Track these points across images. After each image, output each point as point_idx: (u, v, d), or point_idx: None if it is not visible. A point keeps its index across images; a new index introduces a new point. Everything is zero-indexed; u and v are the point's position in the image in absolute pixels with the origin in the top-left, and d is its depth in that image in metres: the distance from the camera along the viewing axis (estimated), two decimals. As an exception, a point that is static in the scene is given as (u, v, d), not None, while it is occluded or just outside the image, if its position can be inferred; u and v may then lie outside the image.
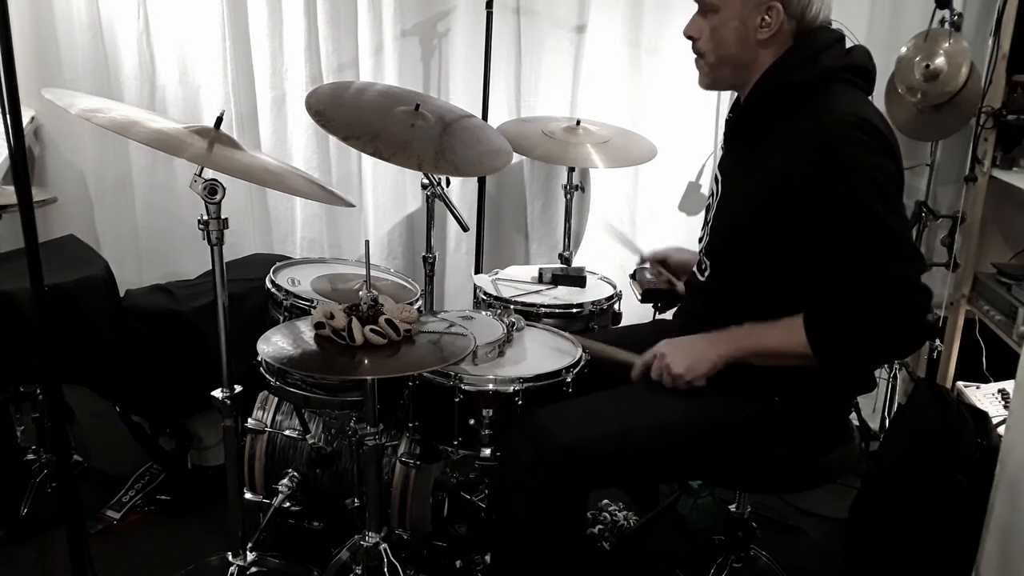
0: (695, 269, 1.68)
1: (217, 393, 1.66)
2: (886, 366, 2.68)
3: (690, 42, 1.55)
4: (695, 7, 1.53)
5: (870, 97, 1.48)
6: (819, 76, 1.43)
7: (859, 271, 1.35)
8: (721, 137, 2.64)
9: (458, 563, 1.93)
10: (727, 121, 1.66)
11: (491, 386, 1.61)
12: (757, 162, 1.47)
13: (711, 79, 1.57)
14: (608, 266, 2.75)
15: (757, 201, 1.44)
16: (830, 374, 1.48)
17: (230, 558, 1.76)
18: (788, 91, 1.44)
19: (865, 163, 1.34)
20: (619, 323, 2.17)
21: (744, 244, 1.49)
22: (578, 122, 2.48)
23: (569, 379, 1.65)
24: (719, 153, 2.72)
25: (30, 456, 2.30)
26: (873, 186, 1.34)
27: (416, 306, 1.91)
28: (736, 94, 1.61)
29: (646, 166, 2.65)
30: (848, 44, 1.49)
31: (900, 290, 1.35)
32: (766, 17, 1.44)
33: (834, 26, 1.51)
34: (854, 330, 1.39)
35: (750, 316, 1.48)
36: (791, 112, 1.42)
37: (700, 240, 1.68)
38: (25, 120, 1.47)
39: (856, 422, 2.56)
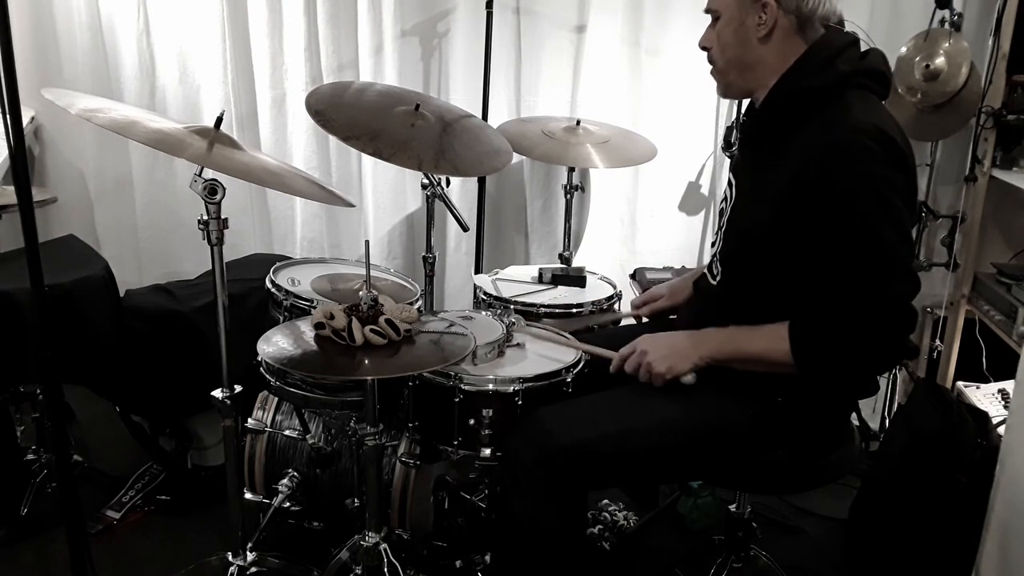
0: (706, 271, 1.68)
1: (217, 393, 1.66)
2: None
3: (705, 53, 1.57)
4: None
5: (884, 102, 1.47)
6: (835, 82, 1.42)
7: (852, 285, 1.35)
8: (721, 138, 2.68)
9: (458, 563, 1.93)
10: (742, 126, 1.65)
11: (491, 386, 1.61)
12: (771, 168, 1.46)
13: (724, 86, 1.58)
14: (608, 266, 2.76)
15: (770, 207, 1.43)
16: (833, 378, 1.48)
17: (230, 558, 1.76)
18: (803, 97, 1.44)
19: (874, 174, 1.34)
20: (619, 323, 2.16)
21: (757, 250, 1.49)
22: (578, 122, 2.48)
23: (569, 379, 1.65)
24: (719, 154, 2.73)
25: (30, 456, 2.30)
26: (879, 199, 1.33)
27: (416, 306, 1.90)
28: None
29: (646, 166, 2.64)
30: (863, 47, 1.49)
31: (890, 308, 1.35)
32: (762, 14, 1.46)
33: (846, 28, 1.51)
34: (839, 343, 1.39)
35: (760, 322, 1.47)
36: (806, 119, 1.42)
37: (713, 244, 1.68)
38: (25, 120, 1.47)
39: (856, 422, 2.55)
